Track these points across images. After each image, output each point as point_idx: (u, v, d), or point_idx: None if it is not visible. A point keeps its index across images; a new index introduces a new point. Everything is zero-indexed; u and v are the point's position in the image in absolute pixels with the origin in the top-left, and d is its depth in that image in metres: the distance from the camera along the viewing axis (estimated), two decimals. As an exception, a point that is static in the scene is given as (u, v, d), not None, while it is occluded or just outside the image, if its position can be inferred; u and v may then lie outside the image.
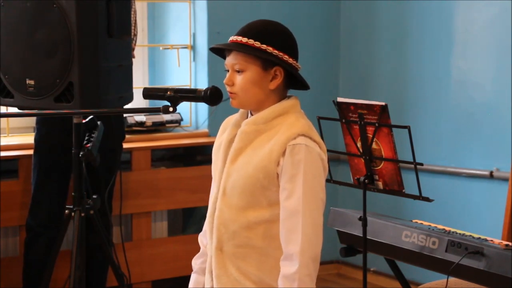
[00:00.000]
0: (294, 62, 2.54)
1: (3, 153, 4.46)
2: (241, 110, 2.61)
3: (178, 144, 5.07)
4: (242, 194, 2.50)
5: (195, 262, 2.73)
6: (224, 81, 2.54)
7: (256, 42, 2.49)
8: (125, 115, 4.90)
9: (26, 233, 4.25)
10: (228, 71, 2.55)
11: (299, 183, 2.44)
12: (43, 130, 4.20)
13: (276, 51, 2.50)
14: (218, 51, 2.58)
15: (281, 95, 2.56)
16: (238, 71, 2.52)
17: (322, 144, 2.52)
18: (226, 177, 2.54)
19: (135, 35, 4.46)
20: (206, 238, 2.67)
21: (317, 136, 2.51)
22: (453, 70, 4.97)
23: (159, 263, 4.89)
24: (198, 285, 2.69)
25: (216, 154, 2.62)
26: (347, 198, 5.43)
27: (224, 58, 2.57)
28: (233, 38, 2.53)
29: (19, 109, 3.75)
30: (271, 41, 2.50)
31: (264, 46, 2.49)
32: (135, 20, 4.45)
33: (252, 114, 2.57)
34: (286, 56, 2.51)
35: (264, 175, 2.47)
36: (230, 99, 2.55)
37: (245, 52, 2.49)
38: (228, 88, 2.54)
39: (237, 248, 2.52)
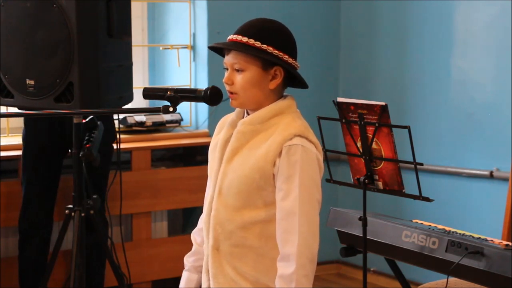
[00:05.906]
0: (294, 61, 2.53)
1: (3, 153, 4.46)
2: (237, 109, 2.60)
3: (178, 144, 5.06)
4: (238, 194, 2.50)
5: (188, 260, 2.73)
6: (224, 80, 2.53)
7: (257, 42, 2.48)
8: (125, 115, 4.90)
9: (19, 235, 4.24)
10: (227, 69, 2.53)
11: (295, 184, 2.43)
12: (29, 131, 4.17)
13: (276, 51, 2.48)
14: (217, 49, 2.57)
15: (279, 94, 2.56)
16: (238, 70, 2.50)
17: (318, 144, 2.52)
18: (222, 177, 2.53)
19: None
20: (199, 235, 2.68)
21: (313, 137, 2.50)
22: (453, 70, 4.97)
23: (159, 263, 4.89)
24: (190, 283, 2.69)
25: (212, 154, 2.61)
26: (347, 198, 5.42)
27: (223, 56, 2.55)
28: (232, 37, 2.51)
29: (19, 109, 3.75)
30: (271, 40, 2.48)
31: (264, 46, 2.48)
32: None
33: (248, 114, 2.57)
34: (286, 56, 2.50)
35: (260, 176, 2.46)
36: (230, 99, 2.54)
37: (245, 52, 2.48)
38: (227, 88, 2.53)
39: (233, 248, 2.52)
